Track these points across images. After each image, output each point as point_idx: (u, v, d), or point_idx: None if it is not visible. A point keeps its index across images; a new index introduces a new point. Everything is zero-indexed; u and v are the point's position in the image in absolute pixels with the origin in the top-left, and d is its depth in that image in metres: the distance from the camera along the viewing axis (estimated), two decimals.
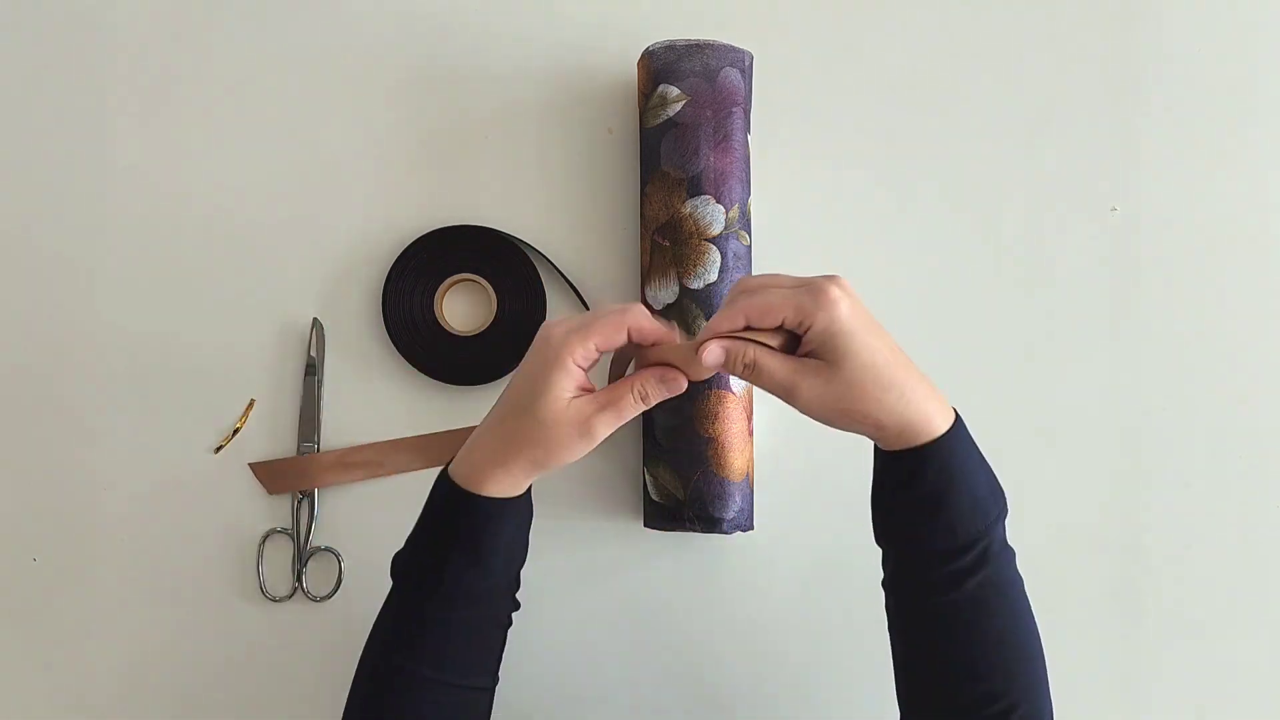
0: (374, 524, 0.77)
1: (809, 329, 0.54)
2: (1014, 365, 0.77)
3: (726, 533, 0.71)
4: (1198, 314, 0.78)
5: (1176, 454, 0.77)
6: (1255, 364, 0.78)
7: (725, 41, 0.72)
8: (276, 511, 0.77)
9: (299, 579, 0.76)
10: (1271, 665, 0.77)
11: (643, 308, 0.57)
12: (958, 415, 0.58)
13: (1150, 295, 0.78)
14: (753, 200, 0.74)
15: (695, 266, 0.70)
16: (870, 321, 0.55)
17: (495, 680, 0.61)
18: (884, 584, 0.61)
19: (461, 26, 0.78)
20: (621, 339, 0.56)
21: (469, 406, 0.76)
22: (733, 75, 0.70)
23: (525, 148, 0.77)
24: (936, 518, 0.56)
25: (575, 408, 0.56)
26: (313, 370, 0.76)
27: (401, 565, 0.61)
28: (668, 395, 0.57)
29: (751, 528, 0.72)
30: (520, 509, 0.59)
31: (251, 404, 0.77)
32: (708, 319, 0.65)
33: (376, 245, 0.77)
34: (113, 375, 0.77)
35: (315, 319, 0.77)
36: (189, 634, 0.76)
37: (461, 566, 0.58)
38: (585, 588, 0.76)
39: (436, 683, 0.58)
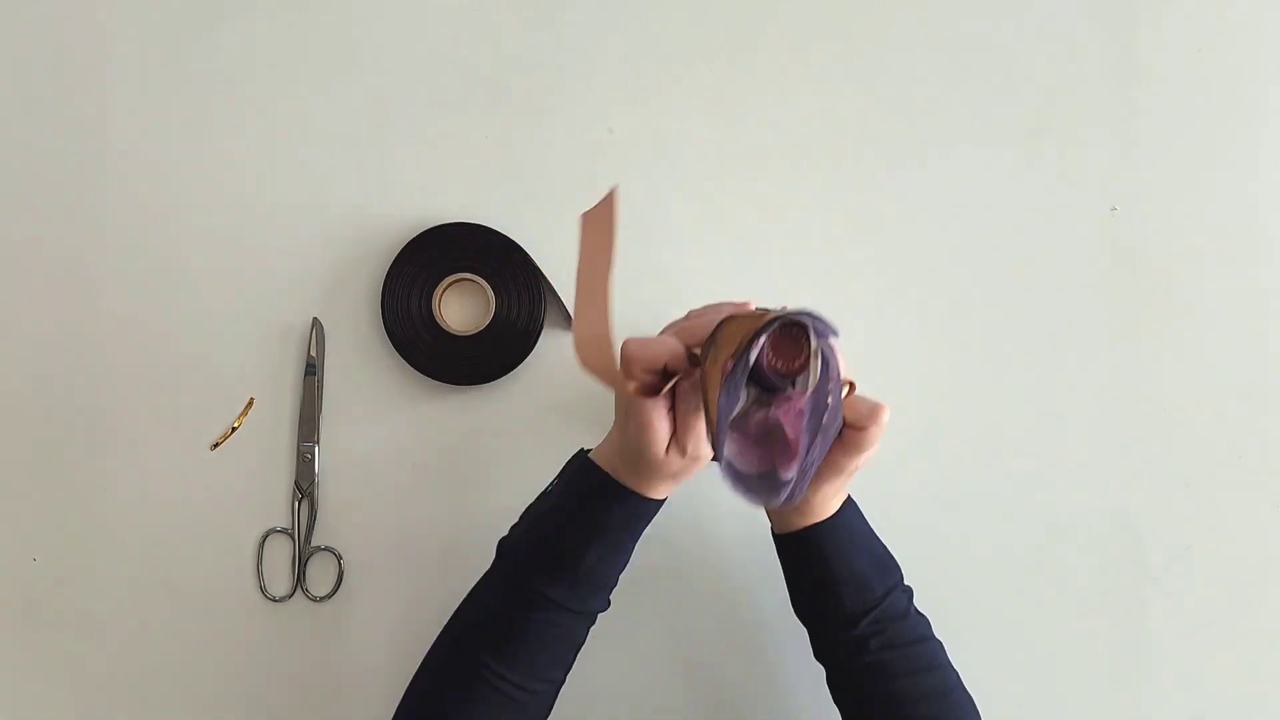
0: (374, 524, 0.77)
1: (859, 426, 0.58)
2: (1014, 365, 0.77)
3: None
4: (1198, 314, 0.78)
5: (1176, 454, 0.77)
6: (1255, 363, 0.77)
7: None
8: (276, 511, 0.77)
9: (299, 579, 0.76)
10: (1271, 665, 0.77)
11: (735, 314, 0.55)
12: (848, 501, 0.64)
13: (1150, 295, 0.78)
14: (753, 201, 0.74)
15: None
16: None
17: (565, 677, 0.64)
18: (817, 658, 0.66)
19: (461, 26, 0.78)
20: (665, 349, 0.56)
21: (468, 406, 0.76)
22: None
23: (525, 147, 0.77)
24: (826, 594, 0.63)
25: (674, 447, 0.58)
26: (312, 370, 0.76)
27: (524, 548, 0.62)
28: None
29: None
30: (656, 509, 0.62)
31: (251, 403, 0.77)
32: None
33: (375, 245, 0.77)
34: (112, 375, 0.77)
35: (315, 319, 0.77)
36: (189, 634, 0.76)
37: (600, 557, 0.60)
38: None
39: (518, 686, 0.61)
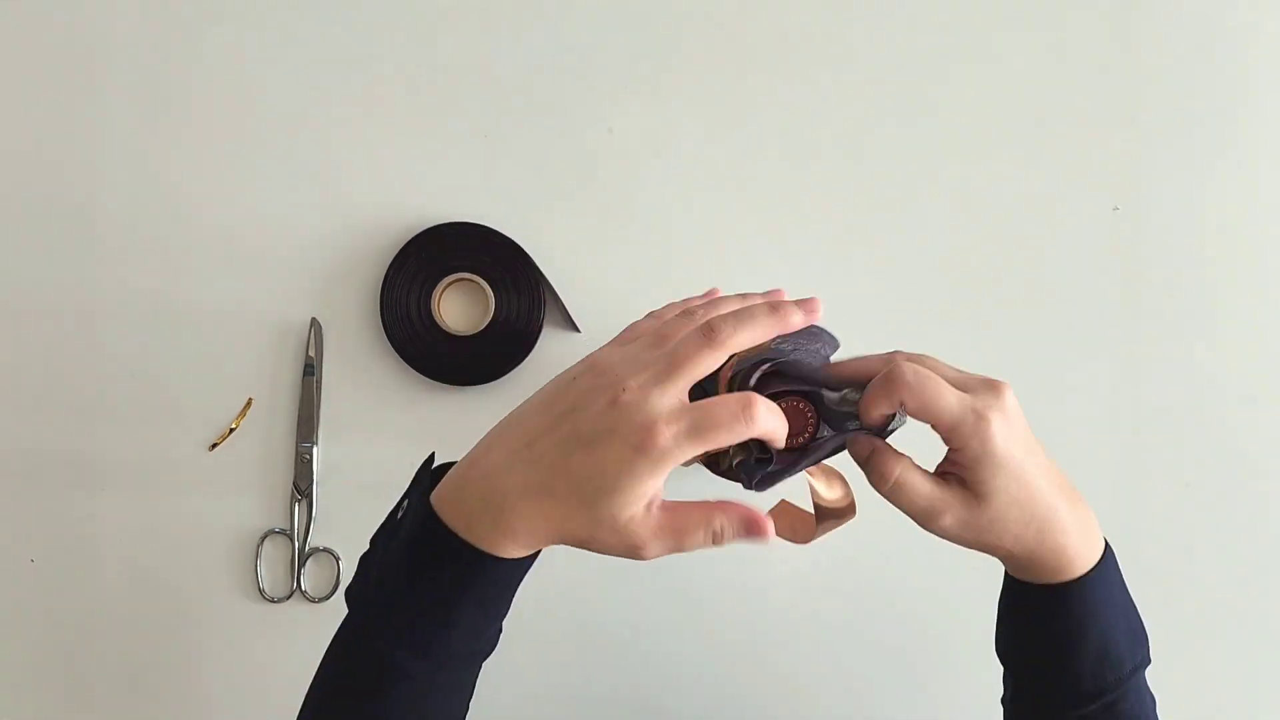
0: (372, 525, 0.76)
1: (959, 451, 0.48)
2: (1014, 364, 0.77)
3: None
4: (1199, 313, 0.78)
5: (1176, 454, 0.77)
6: (1256, 363, 0.78)
7: None
8: (275, 512, 0.76)
9: (297, 580, 0.76)
10: (1271, 665, 0.77)
11: (768, 404, 0.45)
12: (1106, 552, 0.53)
13: (1152, 295, 0.78)
14: (754, 202, 0.74)
15: None
16: (1026, 448, 0.49)
17: None
18: (1003, 703, 0.57)
19: (459, 24, 0.78)
20: (737, 440, 0.45)
21: (468, 407, 0.76)
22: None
23: (525, 147, 0.77)
24: (1062, 663, 0.52)
25: (636, 521, 0.44)
26: (311, 370, 0.76)
27: (375, 620, 0.49)
28: (745, 541, 0.47)
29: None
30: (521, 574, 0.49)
31: (249, 403, 0.77)
32: None
33: (375, 245, 0.77)
34: (110, 375, 0.77)
35: (314, 319, 0.76)
36: (187, 634, 0.76)
37: (470, 631, 0.48)
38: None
39: None
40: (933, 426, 0.48)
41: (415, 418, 0.77)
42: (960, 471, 0.49)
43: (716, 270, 0.77)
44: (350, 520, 0.77)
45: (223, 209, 0.77)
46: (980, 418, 0.47)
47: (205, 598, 0.76)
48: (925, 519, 0.50)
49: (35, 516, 0.77)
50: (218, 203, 0.77)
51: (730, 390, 0.49)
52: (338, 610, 0.76)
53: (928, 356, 0.52)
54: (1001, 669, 0.58)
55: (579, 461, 0.44)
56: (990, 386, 0.49)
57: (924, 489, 0.50)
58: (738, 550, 0.77)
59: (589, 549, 0.46)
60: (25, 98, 0.78)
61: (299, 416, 0.76)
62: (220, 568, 0.76)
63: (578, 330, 0.76)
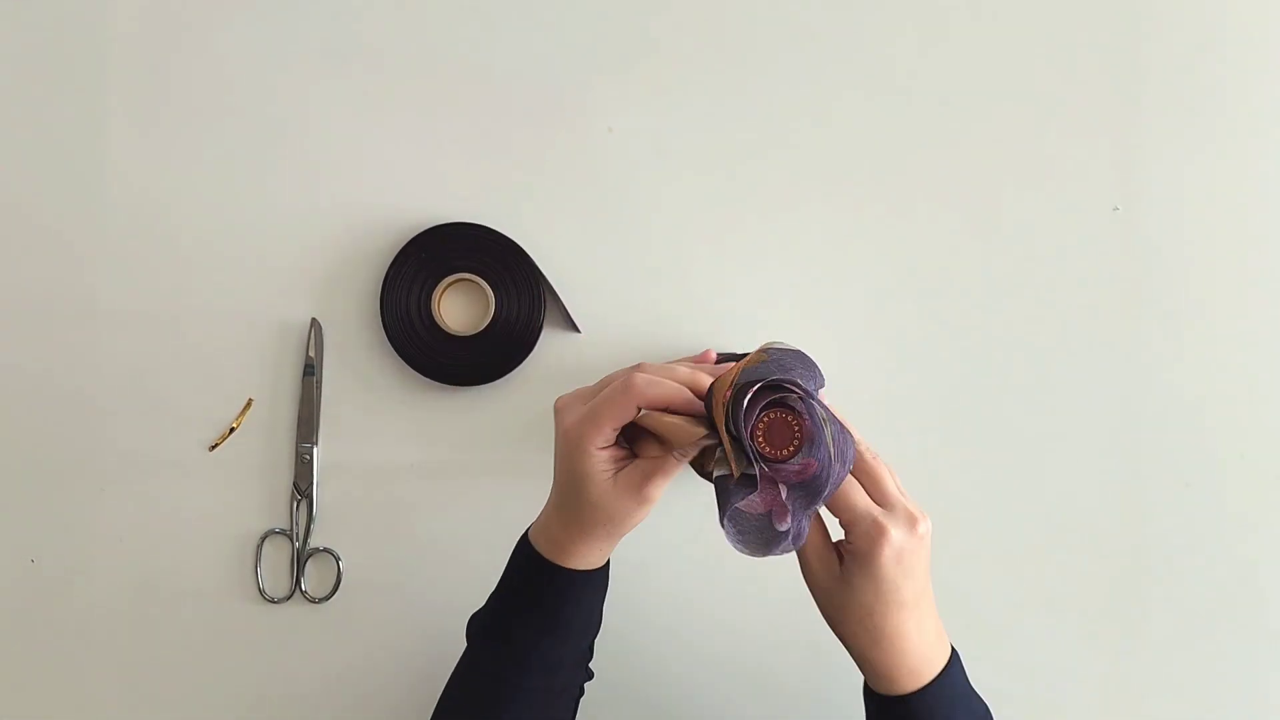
0: (373, 525, 0.77)
1: (852, 532, 0.55)
2: (1014, 365, 0.77)
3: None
4: (1200, 313, 0.78)
5: (1176, 454, 0.77)
6: (1256, 363, 0.77)
7: None
8: (275, 512, 0.76)
9: (297, 580, 0.76)
10: (1271, 666, 0.77)
11: (644, 376, 0.55)
12: (952, 660, 0.58)
13: (1152, 294, 0.78)
14: (753, 202, 0.74)
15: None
16: (905, 574, 0.54)
17: None
18: None
19: (461, 25, 0.78)
20: (632, 415, 0.55)
21: (468, 407, 0.76)
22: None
23: (525, 147, 0.77)
24: None
25: (623, 481, 0.56)
26: (311, 370, 0.76)
27: (478, 627, 0.62)
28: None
29: None
30: (600, 580, 0.61)
31: (249, 404, 0.77)
32: None
33: (375, 245, 0.77)
34: (111, 375, 0.77)
35: (314, 319, 0.76)
36: (187, 635, 0.76)
37: (539, 634, 0.59)
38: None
39: None
40: (837, 518, 0.56)
41: (415, 418, 0.77)
42: (845, 553, 0.56)
43: (716, 270, 0.77)
44: (350, 520, 0.77)
45: (223, 209, 0.77)
46: (879, 530, 0.54)
47: (205, 598, 0.76)
48: (802, 557, 0.57)
49: (36, 516, 0.77)
50: (218, 203, 0.77)
51: (725, 409, 0.52)
52: (338, 610, 0.76)
53: (883, 464, 0.57)
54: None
55: (559, 471, 0.59)
56: (909, 515, 0.55)
57: (815, 539, 0.57)
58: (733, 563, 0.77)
59: (623, 530, 0.58)
60: (26, 99, 0.78)
61: (299, 417, 0.76)
62: (220, 568, 0.76)
63: (578, 330, 0.76)
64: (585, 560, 0.59)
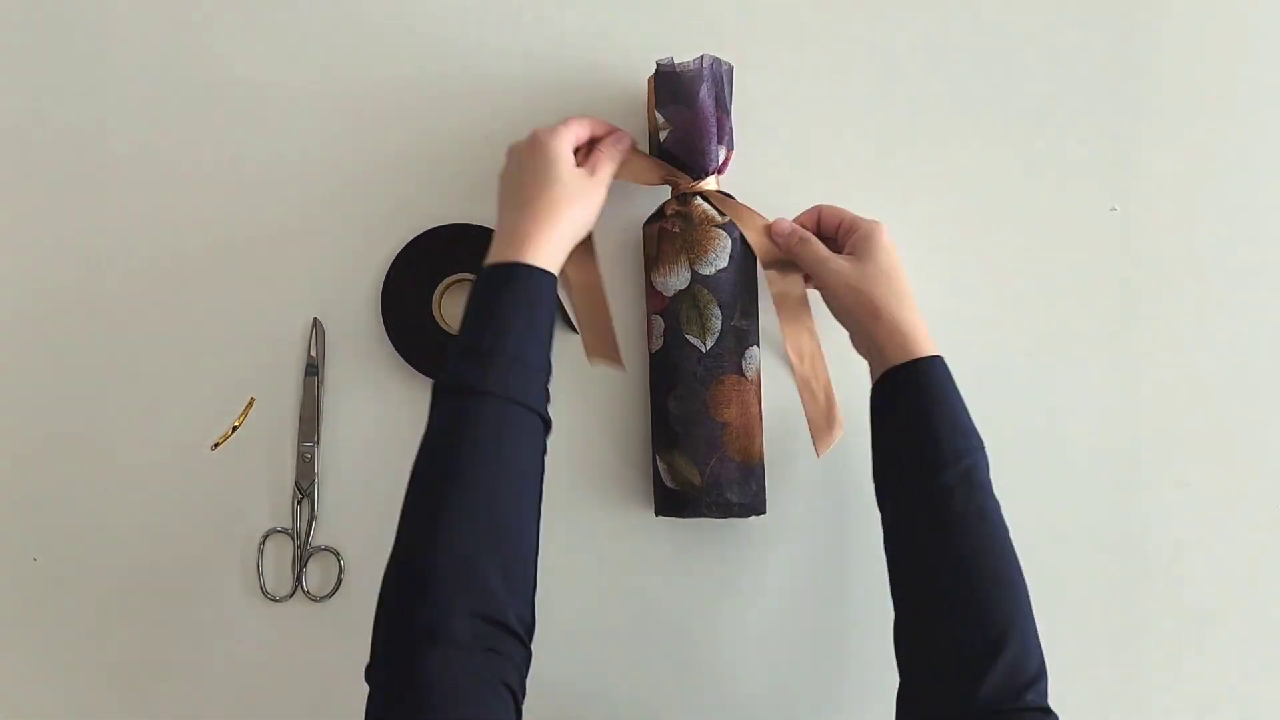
0: (374, 524, 0.77)
1: (854, 233, 0.69)
2: (1013, 365, 0.77)
3: (742, 516, 0.71)
4: (1197, 313, 0.78)
5: (1176, 454, 0.77)
6: (1255, 363, 0.77)
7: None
8: (277, 511, 0.77)
9: (299, 579, 0.76)
10: (1271, 665, 0.77)
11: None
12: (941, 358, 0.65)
13: (1150, 295, 0.78)
14: (752, 202, 0.74)
15: (707, 252, 0.70)
16: (894, 256, 0.68)
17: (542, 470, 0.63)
18: (884, 533, 0.65)
19: (461, 25, 0.78)
20: (589, 132, 0.71)
21: None
22: (708, 99, 0.71)
23: None
24: (927, 429, 0.62)
25: (585, 165, 0.69)
26: (313, 370, 0.77)
27: (456, 354, 0.63)
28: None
29: (764, 511, 0.72)
30: (553, 291, 0.66)
31: (251, 403, 0.77)
32: (721, 305, 0.71)
33: (375, 245, 0.77)
34: (113, 375, 0.77)
35: (315, 319, 0.77)
36: (189, 634, 0.77)
37: (520, 333, 0.62)
38: (597, 578, 0.76)
39: (494, 474, 0.60)
40: (838, 225, 0.71)
41: (416, 417, 0.76)
42: (850, 249, 0.69)
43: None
44: (352, 519, 0.77)
45: (224, 210, 0.78)
46: (874, 223, 0.69)
47: (207, 596, 0.76)
48: (821, 265, 0.68)
49: (38, 514, 0.77)
50: (219, 203, 0.78)
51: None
52: (339, 609, 0.77)
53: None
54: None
55: (529, 171, 0.68)
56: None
57: (821, 244, 0.70)
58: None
59: (584, 214, 0.68)
60: (30, 96, 0.78)
61: (301, 416, 0.77)
62: (222, 567, 0.77)
63: (576, 331, 0.76)
64: (545, 253, 0.65)
